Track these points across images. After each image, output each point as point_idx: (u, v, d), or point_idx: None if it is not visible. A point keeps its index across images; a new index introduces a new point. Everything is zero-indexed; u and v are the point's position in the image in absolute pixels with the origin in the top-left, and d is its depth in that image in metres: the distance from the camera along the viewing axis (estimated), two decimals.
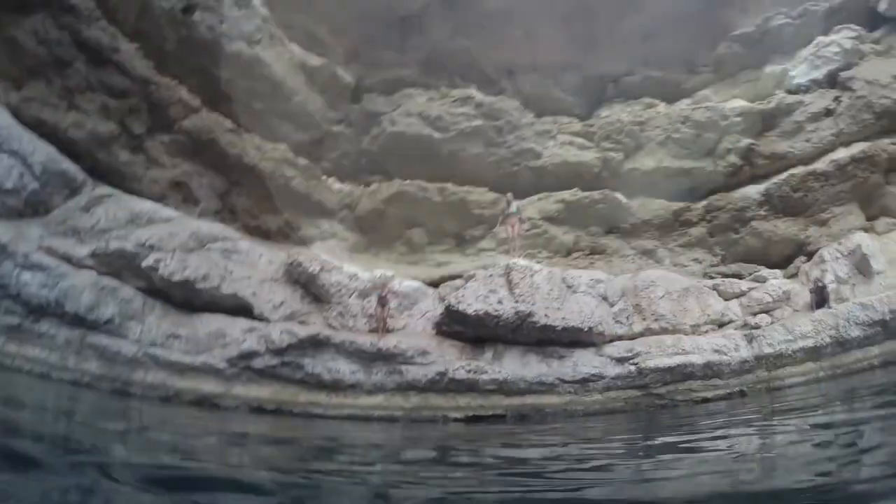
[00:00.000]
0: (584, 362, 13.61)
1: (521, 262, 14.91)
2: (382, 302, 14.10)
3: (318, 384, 12.25)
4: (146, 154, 14.12)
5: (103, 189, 12.78)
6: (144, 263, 11.73)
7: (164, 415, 9.91)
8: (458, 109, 18.35)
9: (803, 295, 15.55)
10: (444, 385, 12.73)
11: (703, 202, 18.70)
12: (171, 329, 11.76)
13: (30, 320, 10.59)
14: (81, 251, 11.63)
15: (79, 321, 10.90)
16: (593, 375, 13.46)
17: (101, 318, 11.08)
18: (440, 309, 14.12)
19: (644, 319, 15.12)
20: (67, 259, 11.34)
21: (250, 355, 12.04)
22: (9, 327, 10.39)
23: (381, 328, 13.82)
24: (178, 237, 12.44)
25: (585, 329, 13.67)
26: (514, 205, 16.66)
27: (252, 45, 15.67)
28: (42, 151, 11.85)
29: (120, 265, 11.80)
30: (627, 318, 14.99)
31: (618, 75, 20.78)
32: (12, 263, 10.57)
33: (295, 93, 17.07)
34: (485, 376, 12.84)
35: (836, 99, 17.76)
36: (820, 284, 15.05)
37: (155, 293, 12.07)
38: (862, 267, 15.11)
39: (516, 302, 13.53)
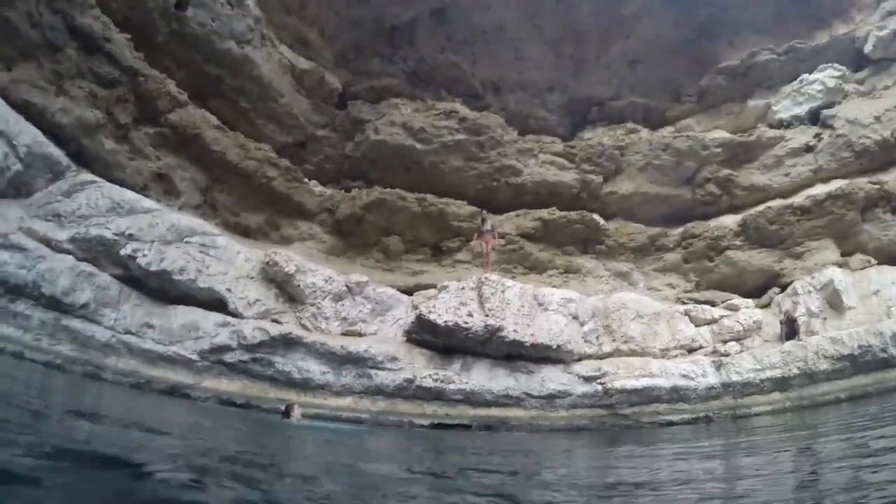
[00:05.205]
0: (551, 379, 14.35)
1: (494, 276, 15.77)
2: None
3: (288, 382, 12.90)
4: (131, 144, 14.78)
5: (86, 176, 13.32)
6: (123, 252, 12.35)
7: None
8: (442, 122, 19.17)
9: (774, 325, 16.41)
10: (411, 392, 13.45)
11: (680, 229, 19.75)
12: (145, 318, 12.33)
13: (6, 299, 10.97)
14: (61, 235, 12.13)
15: (55, 304, 11.34)
16: (560, 392, 14.21)
17: (76, 302, 11.56)
18: (412, 317, 14.76)
19: (614, 340, 15.95)
20: (47, 242, 11.80)
21: (222, 349, 12.68)
22: None
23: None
24: (157, 229, 13.01)
25: (554, 346, 14.46)
26: (489, 222, 17.70)
27: (242, 45, 16.43)
28: (28, 134, 12.36)
29: (98, 252, 12.38)
30: (597, 338, 15.79)
31: (603, 99, 22.02)
32: None
33: (282, 94, 17.81)
34: (452, 386, 13.58)
35: (817, 136, 19.01)
36: (791, 316, 15.93)
37: (131, 282, 12.65)
38: (834, 301, 16.06)
39: (486, 316, 14.35)
